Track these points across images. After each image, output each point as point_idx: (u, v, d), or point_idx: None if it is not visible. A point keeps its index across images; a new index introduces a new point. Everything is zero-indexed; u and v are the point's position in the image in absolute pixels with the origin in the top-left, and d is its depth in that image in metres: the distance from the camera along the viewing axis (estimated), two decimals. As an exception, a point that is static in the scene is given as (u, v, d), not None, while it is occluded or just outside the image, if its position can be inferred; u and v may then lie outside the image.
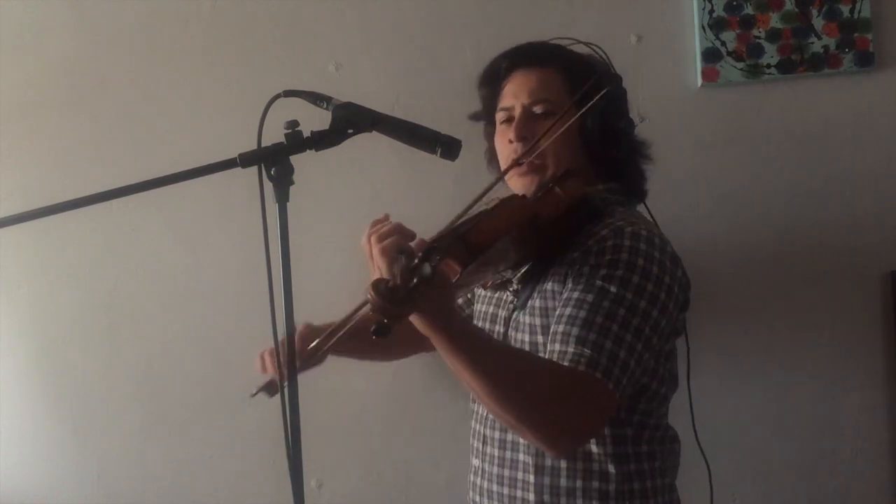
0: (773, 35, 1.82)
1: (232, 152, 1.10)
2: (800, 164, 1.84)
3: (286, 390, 1.09)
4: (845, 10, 1.81)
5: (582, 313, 1.18)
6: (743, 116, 1.85)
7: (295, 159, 1.11)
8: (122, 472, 1.95)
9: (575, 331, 1.16)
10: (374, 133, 1.14)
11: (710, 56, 1.82)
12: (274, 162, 1.09)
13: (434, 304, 1.03)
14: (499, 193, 1.38)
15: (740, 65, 1.82)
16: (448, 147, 1.12)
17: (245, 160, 1.09)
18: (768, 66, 1.82)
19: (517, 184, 1.36)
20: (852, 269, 1.83)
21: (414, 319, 1.04)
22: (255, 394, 1.47)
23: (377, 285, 0.95)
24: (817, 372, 1.83)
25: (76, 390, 1.95)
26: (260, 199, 1.11)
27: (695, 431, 1.49)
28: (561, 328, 1.19)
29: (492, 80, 1.42)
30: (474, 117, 1.51)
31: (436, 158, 1.13)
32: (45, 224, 1.13)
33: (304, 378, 1.12)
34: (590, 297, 1.19)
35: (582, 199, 1.29)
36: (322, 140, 1.12)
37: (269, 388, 1.48)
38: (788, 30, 1.82)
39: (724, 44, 1.82)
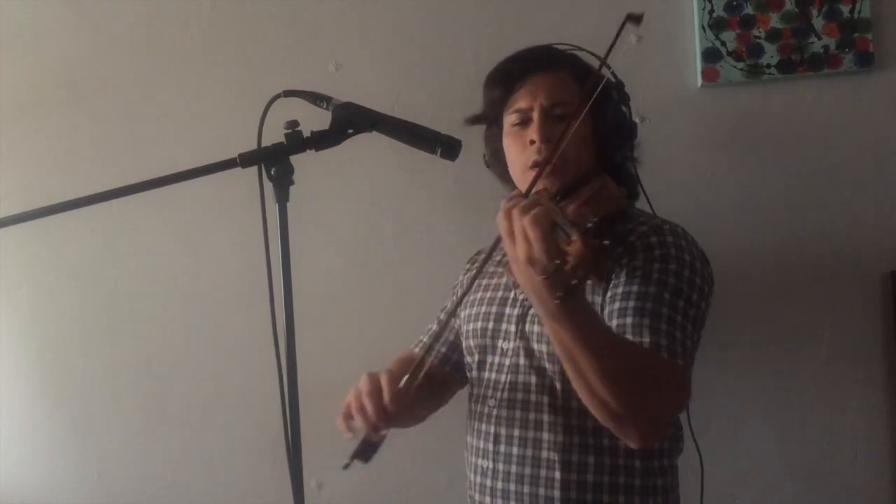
0: (773, 35, 1.82)
1: (232, 152, 1.10)
2: (800, 164, 1.84)
3: (286, 390, 1.09)
4: (845, 10, 1.81)
5: (648, 304, 1.21)
6: (743, 116, 1.85)
7: (295, 159, 1.11)
8: (122, 472, 1.95)
9: (647, 321, 1.19)
10: (374, 133, 1.14)
11: (710, 56, 1.82)
12: (274, 162, 1.10)
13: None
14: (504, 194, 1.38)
15: (740, 65, 1.82)
16: (448, 147, 1.12)
17: (245, 160, 1.10)
18: (768, 66, 1.82)
19: (539, 184, 1.33)
20: (852, 269, 1.82)
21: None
22: (349, 464, 1.31)
23: (586, 238, 0.91)
24: (817, 372, 1.83)
25: (76, 390, 1.96)
26: (260, 199, 1.12)
27: (690, 428, 1.50)
28: (630, 320, 1.21)
29: (503, 81, 1.41)
30: (473, 121, 1.49)
31: (436, 158, 1.13)
32: (45, 224, 1.13)
33: (303, 378, 1.12)
34: (652, 290, 1.22)
35: (622, 197, 1.34)
36: (322, 140, 1.12)
37: (364, 453, 1.29)
38: (788, 30, 1.82)
39: (724, 44, 1.82)
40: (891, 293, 1.81)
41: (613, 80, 1.42)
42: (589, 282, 0.95)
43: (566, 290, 0.94)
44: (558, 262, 0.93)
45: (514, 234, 1.03)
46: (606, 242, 0.93)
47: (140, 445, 1.95)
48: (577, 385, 1.14)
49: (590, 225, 0.95)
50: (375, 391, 1.26)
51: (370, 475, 1.91)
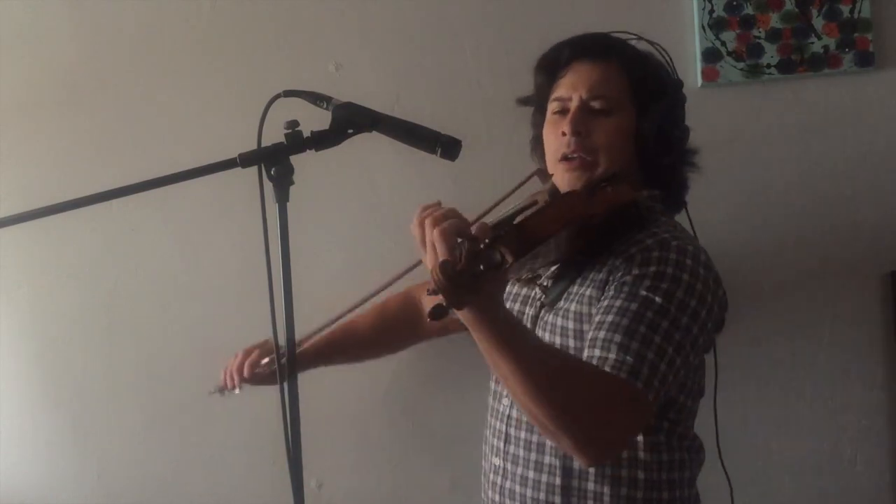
0: (773, 35, 1.82)
1: (232, 152, 1.10)
2: (800, 164, 1.84)
3: (286, 390, 1.09)
4: (845, 10, 1.81)
5: (625, 321, 1.15)
6: (743, 116, 1.85)
7: (295, 159, 1.11)
8: (122, 472, 1.95)
9: (617, 338, 1.14)
10: (374, 133, 1.14)
11: (710, 56, 1.82)
12: (274, 162, 1.10)
13: (489, 293, 0.99)
14: (533, 187, 1.37)
15: (740, 65, 1.82)
16: (448, 147, 1.12)
17: (245, 160, 1.09)
18: (768, 66, 1.82)
19: (564, 178, 1.32)
20: (852, 269, 1.82)
21: (464, 313, 1.01)
22: (212, 393, 1.70)
23: (444, 266, 0.92)
24: (817, 372, 1.83)
25: (76, 390, 1.95)
26: (260, 199, 1.12)
27: (718, 448, 1.48)
28: (602, 334, 1.16)
29: (550, 67, 1.37)
30: (524, 102, 1.46)
31: (436, 158, 1.13)
32: (45, 224, 1.13)
33: (304, 378, 1.12)
34: (633, 307, 1.16)
35: (631, 205, 1.26)
36: (322, 140, 1.12)
37: (222, 391, 1.69)
38: (788, 30, 1.82)
39: (724, 44, 1.82)
40: (891, 293, 1.81)
41: (673, 78, 1.37)
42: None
43: (431, 309, 0.94)
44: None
45: (424, 243, 1.05)
46: (481, 268, 0.93)
47: (140, 445, 1.94)
48: (512, 398, 1.14)
49: (482, 245, 0.95)
50: (246, 354, 1.64)
51: (370, 475, 1.92)
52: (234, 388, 1.66)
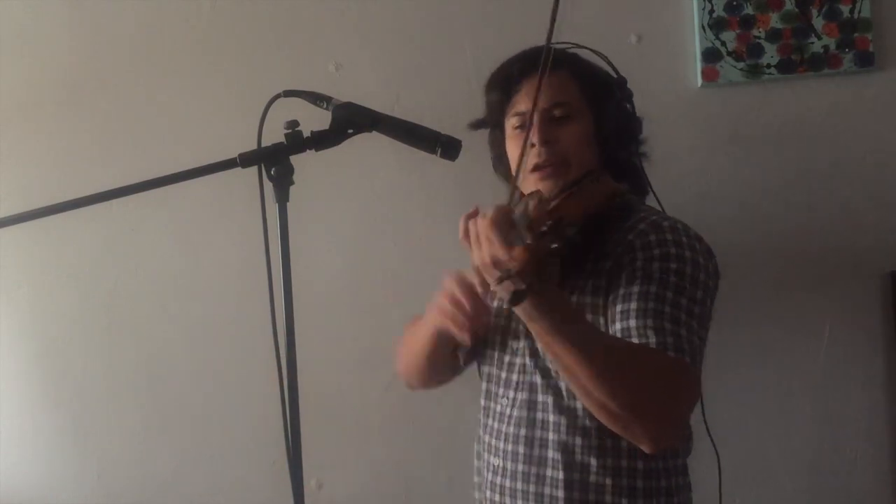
0: (773, 35, 1.82)
1: (232, 152, 1.10)
2: (800, 164, 1.83)
3: (286, 390, 1.09)
4: (845, 10, 1.81)
5: (651, 304, 1.19)
6: (743, 116, 1.85)
7: (295, 159, 1.11)
8: (122, 472, 1.95)
9: (650, 322, 1.17)
10: (374, 133, 1.14)
11: (710, 56, 1.82)
12: (274, 162, 1.10)
13: (551, 282, 1.01)
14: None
15: (740, 65, 1.82)
16: (448, 147, 1.12)
17: (245, 160, 1.10)
18: (768, 66, 1.82)
19: (539, 187, 1.35)
20: (852, 269, 1.82)
21: (528, 302, 1.01)
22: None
23: (528, 248, 0.93)
24: (817, 372, 1.83)
25: (76, 390, 1.95)
26: (260, 199, 1.12)
27: (706, 425, 1.47)
28: (633, 323, 1.19)
29: (503, 84, 1.41)
30: (476, 126, 1.49)
31: (436, 158, 1.13)
32: (45, 224, 1.13)
33: (303, 378, 1.12)
34: (653, 289, 1.20)
35: (617, 195, 1.31)
36: (322, 140, 1.12)
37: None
38: (788, 30, 1.82)
39: (724, 44, 1.82)
40: (891, 293, 1.81)
41: (617, 77, 1.42)
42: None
43: (513, 295, 0.94)
44: (508, 268, 0.94)
45: (479, 238, 1.05)
46: (555, 246, 0.93)
47: (140, 445, 1.94)
48: (574, 389, 1.14)
49: (544, 228, 0.95)
50: (467, 285, 1.25)
51: (370, 475, 1.92)
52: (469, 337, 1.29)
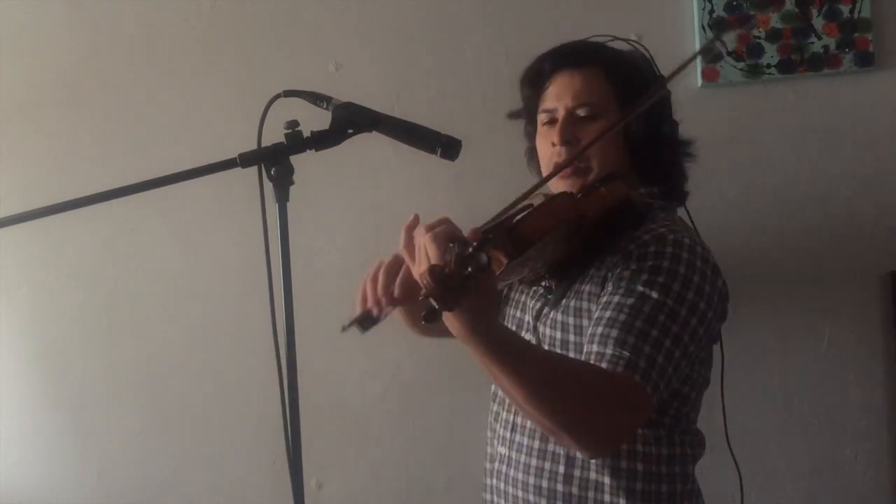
0: (773, 35, 1.82)
1: (232, 152, 1.10)
2: (799, 165, 1.84)
3: (286, 390, 1.09)
4: (845, 10, 1.81)
5: (622, 317, 1.17)
6: (743, 116, 1.85)
7: (295, 159, 1.11)
8: (122, 472, 1.95)
9: (614, 333, 1.15)
10: (374, 133, 1.14)
11: (710, 56, 1.82)
12: (274, 162, 1.10)
13: (480, 299, 0.99)
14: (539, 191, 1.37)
15: (740, 65, 1.82)
16: (448, 147, 1.12)
17: (245, 160, 1.09)
18: (768, 66, 1.82)
19: (560, 187, 1.34)
20: (852, 270, 1.83)
21: (453, 318, 1.00)
22: (346, 328, 1.21)
23: (433, 270, 0.93)
24: (817, 372, 1.83)
25: (76, 390, 1.95)
26: (260, 199, 1.12)
27: (727, 436, 1.47)
28: (599, 330, 1.17)
29: (534, 80, 1.40)
30: (514, 115, 1.48)
31: (436, 158, 1.13)
32: (45, 224, 1.13)
33: (304, 378, 1.12)
34: (630, 301, 1.18)
35: (626, 202, 1.27)
36: (322, 140, 1.12)
37: (362, 321, 1.24)
38: (788, 30, 1.82)
39: (724, 44, 1.82)
40: (891, 293, 1.81)
41: (655, 74, 1.38)
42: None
43: (426, 313, 0.93)
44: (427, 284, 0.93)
45: (419, 251, 1.04)
46: (470, 270, 0.93)
47: (140, 445, 1.95)
48: (513, 404, 1.14)
49: (471, 249, 0.95)
50: (393, 270, 1.21)
51: (370, 475, 1.92)
52: (379, 314, 1.24)
